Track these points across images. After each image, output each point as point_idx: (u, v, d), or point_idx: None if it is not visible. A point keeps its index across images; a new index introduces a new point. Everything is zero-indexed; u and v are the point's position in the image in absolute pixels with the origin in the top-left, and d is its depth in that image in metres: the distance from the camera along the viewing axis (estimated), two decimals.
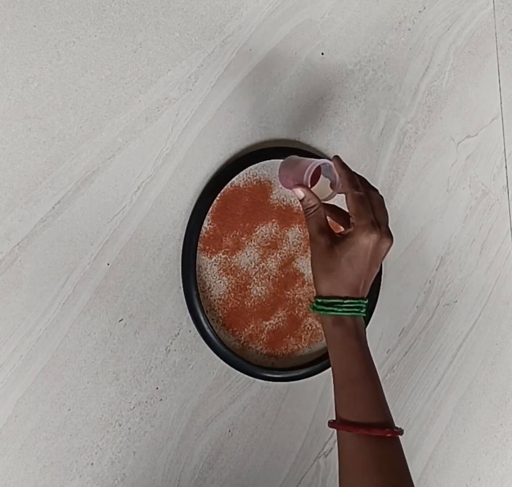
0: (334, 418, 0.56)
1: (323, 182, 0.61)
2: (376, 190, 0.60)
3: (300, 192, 0.59)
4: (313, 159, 0.63)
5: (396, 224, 0.80)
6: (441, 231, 0.84)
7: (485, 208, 0.87)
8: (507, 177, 0.89)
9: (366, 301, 0.57)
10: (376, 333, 0.78)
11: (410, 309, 0.82)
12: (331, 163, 0.60)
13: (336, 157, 0.60)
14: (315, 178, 0.61)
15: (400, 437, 0.54)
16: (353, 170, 0.60)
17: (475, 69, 0.86)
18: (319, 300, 0.56)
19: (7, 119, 0.59)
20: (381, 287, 0.77)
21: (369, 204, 0.57)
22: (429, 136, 0.83)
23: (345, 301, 0.55)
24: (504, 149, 0.89)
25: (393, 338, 0.80)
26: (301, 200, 0.60)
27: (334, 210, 0.63)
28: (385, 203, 0.60)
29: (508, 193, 0.90)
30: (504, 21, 0.89)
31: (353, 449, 0.53)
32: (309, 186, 0.60)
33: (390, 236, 0.57)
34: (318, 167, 0.61)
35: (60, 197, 0.61)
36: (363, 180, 0.60)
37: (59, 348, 0.61)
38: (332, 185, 0.61)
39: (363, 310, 0.56)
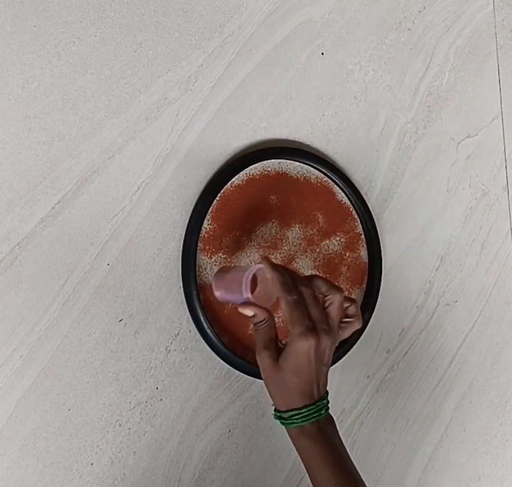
0: None
1: (264, 285, 0.58)
2: (308, 286, 0.56)
3: (248, 311, 0.58)
4: (245, 267, 0.60)
5: (396, 224, 0.80)
6: (441, 231, 0.84)
7: (485, 208, 0.87)
8: (507, 177, 0.89)
9: (325, 400, 0.57)
10: (376, 333, 0.78)
11: (410, 309, 0.82)
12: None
13: (265, 259, 0.57)
14: (254, 284, 0.59)
15: None
16: (284, 266, 0.57)
17: (475, 69, 0.86)
18: (278, 414, 0.57)
19: (7, 119, 0.59)
20: (381, 287, 0.77)
21: (303, 307, 0.55)
22: (429, 136, 0.83)
23: (303, 411, 0.55)
24: (504, 149, 0.89)
25: (393, 338, 0.80)
26: (251, 317, 0.58)
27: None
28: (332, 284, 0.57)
29: (508, 193, 0.90)
30: (504, 21, 0.89)
31: None
32: (251, 297, 0.57)
33: (328, 333, 0.55)
34: (254, 275, 0.58)
35: (60, 197, 0.61)
36: (295, 276, 0.57)
37: (59, 348, 0.61)
38: None
39: (324, 411, 0.56)
